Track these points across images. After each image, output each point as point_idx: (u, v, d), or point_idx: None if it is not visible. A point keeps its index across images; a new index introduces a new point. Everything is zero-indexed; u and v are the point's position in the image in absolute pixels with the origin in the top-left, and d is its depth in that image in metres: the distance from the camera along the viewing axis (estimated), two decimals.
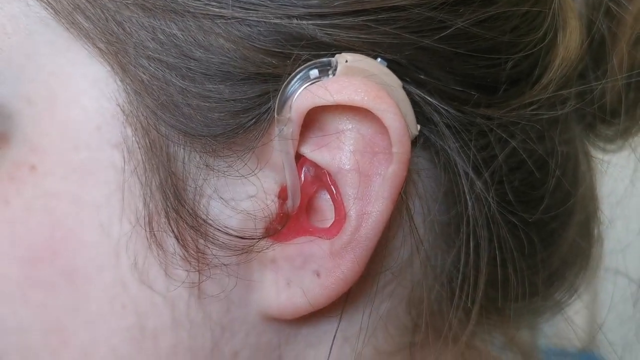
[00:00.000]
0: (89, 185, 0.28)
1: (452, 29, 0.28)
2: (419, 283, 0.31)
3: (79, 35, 0.28)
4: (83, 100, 0.28)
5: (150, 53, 0.27)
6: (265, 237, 0.29)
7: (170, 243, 0.28)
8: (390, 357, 0.32)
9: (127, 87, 0.28)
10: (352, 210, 0.28)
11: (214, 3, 0.27)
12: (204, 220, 0.28)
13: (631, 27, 0.33)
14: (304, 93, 0.27)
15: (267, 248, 0.29)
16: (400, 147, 0.27)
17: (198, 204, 0.28)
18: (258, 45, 0.27)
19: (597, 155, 0.37)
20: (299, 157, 0.29)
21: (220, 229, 0.28)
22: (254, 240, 0.28)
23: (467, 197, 0.30)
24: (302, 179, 0.29)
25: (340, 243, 0.28)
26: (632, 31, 0.33)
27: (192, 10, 0.27)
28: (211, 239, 0.28)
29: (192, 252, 0.28)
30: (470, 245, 0.30)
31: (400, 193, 0.28)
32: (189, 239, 0.28)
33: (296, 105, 0.27)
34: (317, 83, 0.27)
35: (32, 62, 0.28)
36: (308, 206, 0.30)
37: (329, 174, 0.29)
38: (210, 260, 0.28)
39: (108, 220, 0.28)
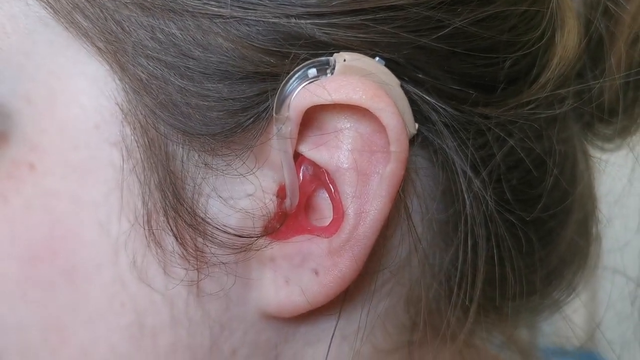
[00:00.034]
0: (87, 184, 0.28)
1: (450, 28, 0.28)
2: (417, 281, 0.32)
3: (78, 34, 0.28)
4: (82, 99, 0.28)
5: (149, 52, 0.27)
6: (263, 236, 0.29)
7: (169, 241, 0.28)
8: (389, 356, 0.32)
9: (126, 86, 0.28)
10: (350, 208, 0.28)
11: (212, 2, 0.27)
12: (202, 219, 0.28)
13: (629, 26, 0.33)
14: (302, 92, 0.27)
15: (265, 246, 0.29)
16: (398, 145, 0.27)
17: (197, 202, 0.28)
18: (256, 45, 0.27)
19: (595, 154, 0.37)
20: (297, 156, 0.29)
21: (218, 227, 0.28)
22: (253, 239, 0.28)
23: (465, 195, 0.30)
24: (301, 177, 0.29)
25: (339, 241, 0.28)
26: (630, 30, 0.33)
27: (190, 9, 0.27)
28: (210, 238, 0.28)
29: (190, 250, 0.28)
30: (468, 243, 0.30)
31: (398, 191, 0.28)
32: (188, 237, 0.28)
33: (294, 104, 0.27)
34: (315, 82, 0.27)
35: (31, 61, 0.28)
36: (306, 205, 0.30)
37: (327, 173, 0.29)
38: (208, 258, 0.28)
39: (107, 218, 0.28)
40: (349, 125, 0.28)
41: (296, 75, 0.27)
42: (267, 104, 0.28)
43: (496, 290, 0.32)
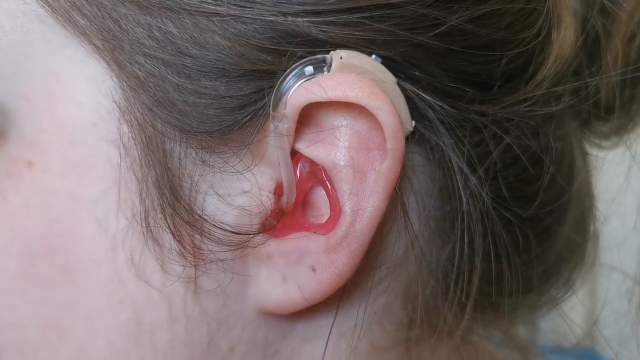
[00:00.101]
0: (85, 182, 0.28)
1: (446, 26, 0.28)
2: (414, 278, 0.32)
3: (75, 32, 0.28)
4: (80, 97, 0.28)
5: (146, 50, 0.27)
6: (260, 233, 0.29)
7: (167, 238, 0.28)
8: (386, 352, 0.32)
9: (124, 83, 0.28)
10: (347, 205, 0.28)
11: (209, 1, 0.27)
12: (199, 216, 0.28)
13: (625, 24, 0.33)
14: (299, 89, 0.27)
15: (262, 243, 0.29)
16: (394, 143, 0.27)
17: (194, 199, 0.28)
18: (253, 43, 0.27)
19: (593, 151, 0.37)
20: (294, 153, 0.29)
21: (216, 224, 0.28)
22: (250, 236, 0.28)
23: (462, 192, 0.30)
24: (298, 175, 0.29)
25: (336, 238, 0.28)
26: (627, 28, 0.33)
27: (187, 7, 0.27)
28: (207, 235, 0.28)
29: (188, 247, 0.28)
30: (464, 240, 0.30)
31: (394, 189, 0.28)
32: (185, 234, 0.28)
33: (291, 101, 0.27)
34: (312, 80, 0.27)
35: (29, 59, 0.28)
36: (303, 202, 0.30)
37: (324, 170, 0.29)
38: (206, 255, 0.29)
39: (104, 216, 0.28)
40: (345, 123, 0.28)
41: (293, 73, 0.27)
42: (264, 101, 0.28)
43: (493, 287, 0.32)
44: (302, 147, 0.29)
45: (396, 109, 0.28)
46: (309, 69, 0.27)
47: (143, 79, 0.27)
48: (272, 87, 0.28)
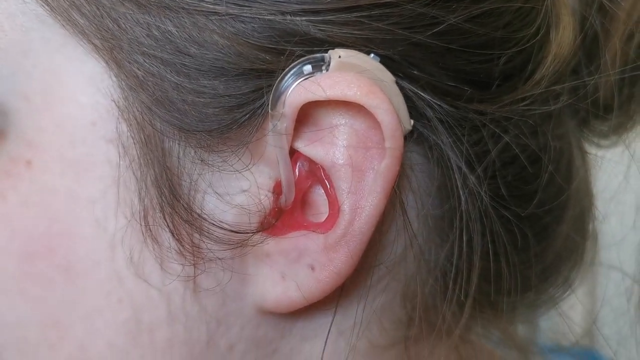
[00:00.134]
0: (84, 181, 0.28)
1: (444, 25, 0.28)
2: (413, 277, 0.32)
3: (74, 32, 0.28)
4: (79, 96, 0.28)
5: (145, 49, 0.27)
6: (259, 232, 0.29)
7: (166, 237, 0.28)
8: (385, 351, 0.32)
9: (122, 82, 0.28)
10: (345, 204, 0.28)
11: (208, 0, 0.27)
12: (198, 215, 0.28)
13: (624, 23, 0.33)
14: (298, 88, 0.27)
15: (261, 242, 0.29)
16: (392, 142, 0.28)
17: (193, 198, 0.28)
18: (252, 42, 0.27)
19: (591, 150, 0.37)
20: (293, 152, 0.29)
21: (215, 223, 0.28)
22: (249, 235, 0.28)
23: (460, 191, 0.30)
24: (297, 173, 0.29)
25: (334, 237, 0.29)
26: (625, 27, 0.33)
27: (186, 6, 0.27)
28: (206, 233, 0.28)
29: (187, 246, 0.28)
30: (463, 239, 0.30)
31: (393, 187, 0.28)
32: (184, 233, 0.28)
33: (290, 100, 0.27)
34: (310, 78, 0.27)
35: (28, 59, 0.28)
36: (302, 201, 0.30)
37: (323, 169, 0.29)
38: (205, 254, 0.29)
39: (103, 215, 0.28)
40: (344, 122, 0.28)
41: (291, 72, 0.27)
42: (263, 100, 0.28)
43: (491, 286, 0.32)
44: (301, 146, 0.29)
45: (395, 107, 0.28)
46: (308, 68, 0.27)
47: (142, 78, 0.27)
48: (270, 86, 0.28)
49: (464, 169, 0.30)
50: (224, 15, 0.27)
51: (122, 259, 0.28)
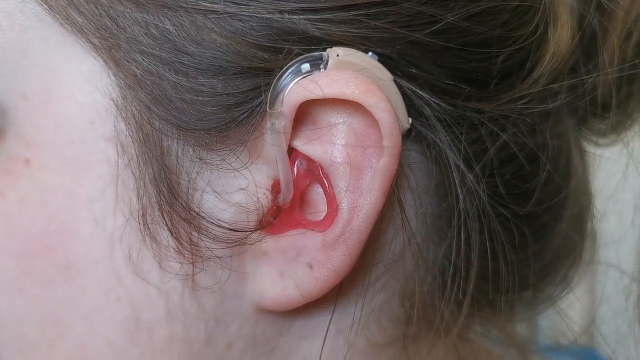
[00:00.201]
0: (83, 179, 0.28)
1: (442, 24, 0.28)
2: (411, 275, 0.32)
3: (73, 30, 0.28)
4: (77, 95, 0.28)
5: (143, 48, 0.27)
6: (257, 230, 0.29)
7: (164, 236, 0.28)
8: (383, 349, 0.32)
9: (121, 81, 0.28)
10: (344, 202, 0.28)
11: None
12: (197, 213, 0.28)
13: (622, 21, 0.33)
14: (296, 87, 0.27)
15: (260, 240, 0.29)
16: (390, 140, 0.28)
17: (191, 197, 0.28)
18: (250, 40, 0.27)
19: (590, 149, 0.37)
20: (291, 151, 0.29)
21: (213, 221, 0.28)
22: (247, 233, 0.28)
23: (459, 190, 0.30)
24: (295, 172, 0.29)
25: (333, 235, 0.29)
26: (623, 25, 0.33)
27: (184, 5, 0.27)
28: (204, 232, 0.28)
29: (185, 244, 0.28)
30: (461, 237, 0.30)
31: (391, 186, 0.28)
32: (183, 231, 0.28)
33: (288, 99, 0.27)
34: (308, 77, 0.27)
35: (27, 58, 0.29)
36: (301, 199, 0.30)
37: (321, 167, 0.29)
38: (203, 252, 0.29)
39: (102, 213, 0.28)
40: (342, 120, 0.28)
41: (289, 71, 0.27)
42: (261, 99, 0.28)
43: (489, 284, 0.32)
44: (299, 144, 0.29)
45: (393, 106, 0.28)
46: (306, 67, 0.27)
47: (140, 77, 0.27)
48: (269, 84, 0.28)
49: (462, 167, 0.30)
50: (222, 13, 0.27)
51: (120, 258, 0.29)
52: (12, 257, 0.29)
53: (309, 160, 0.29)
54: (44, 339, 0.29)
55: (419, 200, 0.31)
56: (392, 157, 0.28)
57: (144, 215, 0.28)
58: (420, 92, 0.29)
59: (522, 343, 0.40)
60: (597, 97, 0.34)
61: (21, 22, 0.29)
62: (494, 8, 0.29)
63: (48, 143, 0.28)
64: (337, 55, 0.27)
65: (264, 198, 0.29)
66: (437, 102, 0.29)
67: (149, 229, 0.28)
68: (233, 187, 0.29)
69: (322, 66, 0.28)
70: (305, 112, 0.28)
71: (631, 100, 0.36)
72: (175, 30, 0.27)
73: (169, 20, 0.27)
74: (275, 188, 0.29)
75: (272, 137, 0.28)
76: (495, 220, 0.31)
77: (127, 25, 0.27)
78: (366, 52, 0.28)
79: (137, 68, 0.27)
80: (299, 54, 0.27)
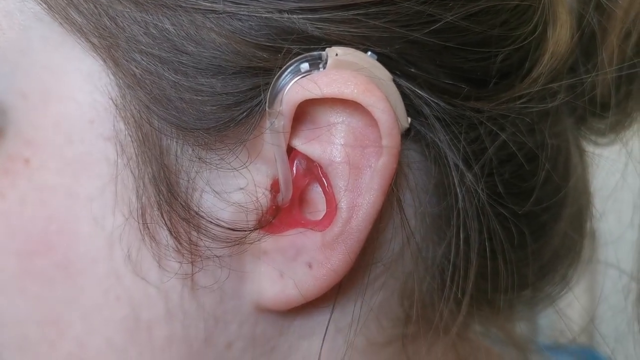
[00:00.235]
0: (82, 178, 0.28)
1: (441, 23, 0.28)
2: (411, 275, 0.32)
3: (72, 30, 0.28)
4: (76, 94, 0.28)
5: (142, 47, 0.27)
6: (257, 229, 0.29)
7: (163, 235, 0.28)
8: (383, 348, 0.33)
9: (120, 81, 0.28)
10: (343, 202, 0.28)
11: None
12: (196, 213, 0.28)
13: (621, 21, 0.33)
14: (295, 86, 0.27)
15: (259, 240, 0.29)
16: (389, 140, 0.28)
17: (190, 196, 0.28)
18: (249, 40, 0.27)
19: (589, 148, 0.37)
20: (290, 150, 0.29)
21: (212, 221, 0.28)
22: (246, 232, 0.29)
23: (458, 189, 0.30)
24: (294, 171, 0.29)
25: (332, 235, 0.29)
26: (622, 25, 0.33)
27: (183, 4, 0.27)
28: (203, 231, 0.28)
29: (184, 244, 0.28)
30: (460, 237, 0.30)
31: (390, 185, 0.28)
32: (182, 231, 0.28)
33: (287, 98, 0.27)
34: (307, 76, 0.27)
35: (26, 57, 0.29)
36: (300, 198, 0.30)
37: (321, 167, 0.29)
38: (202, 252, 0.29)
39: (101, 213, 0.28)
40: (341, 120, 0.28)
41: (289, 70, 0.27)
42: (260, 98, 0.28)
43: (488, 283, 0.32)
44: (299, 144, 0.29)
45: (392, 105, 0.28)
46: (305, 66, 0.27)
47: (139, 76, 0.27)
48: (268, 84, 0.28)
49: (461, 166, 0.30)
50: (221, 13, 0.27)
51: (120, 257, 0.29)
52: (12, 256, 0.29)
53: (308, 159, 0.29)
54: (44, 339, 0.29)
55: (418, 200, 0.31)
56: (391, 156, 0.28)
57: (143, 215, 0.28)
58: (419, 92, 0.29)
59: (522, 342, 0.40)
60: (596, 96, 0.34)
61: (20, 22, 0.29)
62: (493, 7, 0.29)
63: (47, 142, 0.28)
64: (336, 54, 0.27)
65: (263, 197, 0.29)
66: (436, 101, 0.29)
67: (148, 229, 0.28)
68: (232, 187, 0.29)
69: (321, 66, 0.28)
70: (304, 112, 0.29)
71: (630, 100, 0.36)
72: (175, 30, 0.27)
73: (168, 19, 0.27)
74: (275, 187, 0.29)
75: (271, 137, 0.28)
76: (494, 219, 0.31)
77: (126, 25, 0.27)
78: (365, 51, 0.28)
79: (136, 67, 0.27)
80: (298, 54, 0.27)
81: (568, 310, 0.39)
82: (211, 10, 0.27)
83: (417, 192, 0.31)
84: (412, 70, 0.29)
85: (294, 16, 0.27)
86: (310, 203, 0.30)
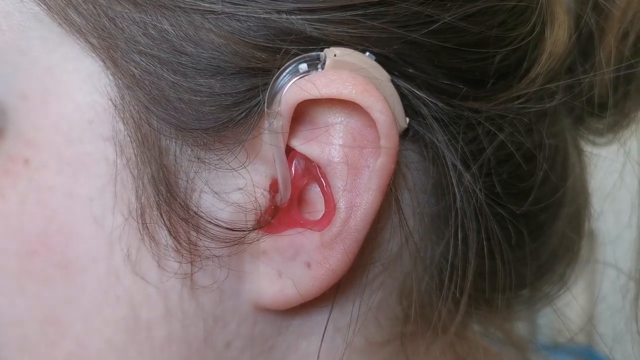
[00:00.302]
0: (82, 179, 0.28)
1: (439, 24, 0.28)
2: (409, 274, 0.32)
3: (71, 30, 0.28)
4: (76, 94, 0.28)
5: (141, 48, 0.27)
6: (256, 229, 0.29)
7: (163, 235, 0.29)
8: (381, 348, 0.33)
9: (119, 81, 0.28)
10: (341, 202, 0.28)
11: None
12: (195, 213, 0.28)
13: (619, 21, 0.33)
14: (293, 87, 0.27)
15: (258, 240, 0.29)
16: (388, 140, 0.28)
17: (190, 196, 0.29)
18: (248, 40, 0.27)
19: (587, 148, 0.38)
20: (289, 150, 0.29)
21: (211, 221, 0.28)
22: (245, 232, 0.29)
23: (456, 189, 0.30)
24: (293, 171, 0.29)
25: (330, 235, 0.29)
26: (620, 25, 0.33)
27: (182, 5, 0.27)
28: (203, 231, 0.28)
29: (184, 244, 0.29)
30: (458, 236, 0.30)
31: (388, 185, 0.28)
32: (181, 231, 0.28)
33: (285, 98, 0.28)
34: (306, 77, 0.27)
35: (25, 58, 0.29)
36: (299, 198, 0.30)
37: (319, 167, 0.29)
38: (202, 251, 0.29)
39: (101, 213, 0.28)
40: (339, 120, 0.28)
41: (287, 71, 0.28)
42: (259, 99, 0.28)
43: (486, 283, 0.32)
44: (297, 144, 0.29)
45: (390, 106, 0.28)
46: (303, 67, 0.27)
47: (138, 77, 0.28)
48: (266, 84, 0.28)
49: (459, 166, 0.30)
50: (220, 14, 0.27)
51: (119, 257, 0.29)
52: (13, 256, 0.29)
53: (307, 159, 0.29)
54: (44, 338, 0.29)
55: (417, 200, 0.31)
56: (390, 157, 0.28)
57: (142, 215, 0.28)
58: (417, 92, 0.29)
59: (520, 341, 0.40)
60: (594, 96, 0.34)
61: (20, 23, 0.29)
62: (490, 8, 0.29)
63: (47, 143, 0.29)
64: (335, 55, 0.28)
65: (262, 198, 0.29)
66: (434, 101, 0.29)
67: (147, 229, 0.28)
68: (231, 187, 0.29)
69: (319, 66, 0.28)
70: (303, 112, 0.29)
71: (628, 100, 0.36)
72: (174, 31, 0.27)
73: (167, 20, 0.27)
74: (273, 188, 0.29)
75: (269, 137, 0.28)
76: (492, 219, 0.31)
77: (125, 26, 0.27)
78: (363, 52, 0.28)
79: (135, 68, 0.28)
80: (297, 54, 0.28)
81: (566, 310, 0.39)
82: (210, 11, 0.27)
83: (416, 192, 0.31)
84: (410, 70, 0.29)
85: (293, 17, 0.27)
86: (309, 203, 0.30)
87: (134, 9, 0.27)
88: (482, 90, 0.30)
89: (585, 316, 0.43)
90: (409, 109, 0.29)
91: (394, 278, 0.32)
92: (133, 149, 0.28)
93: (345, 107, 0.28)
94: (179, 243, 0.29)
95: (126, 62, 0.28)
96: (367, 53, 0.28)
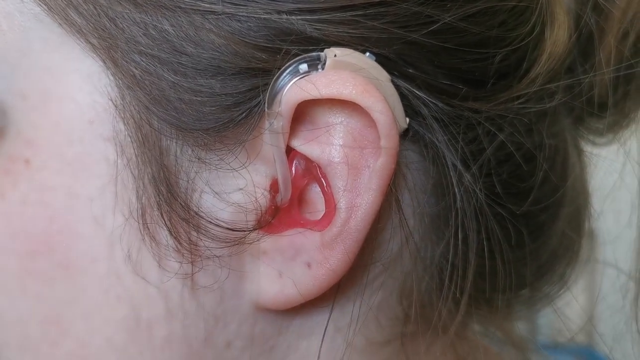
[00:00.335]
0: (82, 179, 0.28)
1: (439, 24, 0.28)
2: (409, 274, 0.32)
3: (72, 31, 0.28)
4: (76, 95, 0.28)
5: (142, 48, 0.27)
6: (256, 229, 0.29)
7: (163, 235, 0.29)
8: (382, 348, 0.33)
9: (119, 81, 0.28)
10: (341, 202, 0.29)
11: None
12: (195, 213, 0.28)
13: (619, 21, 0.33)
14: (293, 87, 0.27)
15: (258, 240, 0.29)
16: (388, 140, 0.28)
17: (190, 196, 0.29)
18: (248, 40, 0.27)
19: (587, 148, 0.38)
20: (289, 151, 0.29)
21: (212, 221, 0.28)
22: (245, 233, 0.29)
23: (456, 189, 0.30)
24: (293, 172, 0.29)
25: (331, 235, 0.29)
26: (620, 25, 0.33)
27: (183, 5, 0.27)
28: (203, 231, 0.29)
29: (184, 244, 0.29)
30: (459, 236, 0.30)
31: (389, 185, 0.28)
32: (182, 231, 0.28)
33: (286, 99, 0.28)
34: (306, 77, 0.27)
35: (26, 58, 0.29)
36: (299, 199, 0.30)
37: (319, 167, 0.29)
38: (202, 252, 0.29)
39: (102, 213, 0.28)
40: (340, 120, 0.28)
41: (287, 71, 0.28)
42: (259, 99, 0.28)
43: (486, 283, 0.32)
44: (297, 144, 0.29)
45: (390, 106, 0.28)
46: (304, 67, 0.28)
47: (139, 77, 0.28)
48: (267, 84, 0.28)
49: (459, 167, 0.30)
50: (220, 14, 0.27)
51: (120, 257, 0.29)
52: (14, 256, 0.29)
53: (307, 160, 0.29)
54: (45, 338, 0.29)
55: (417, 200, 0.31)
56: (390, 157, 0.28)
57: (143, 215, 0.28)
58: (417, 92, 0.29)
59: (520, 341, 0.40)
60: (594, 96, 0.34)
61: (20, 23, 0.29)
62: (490, 8, 0.29)
63: (48, 143, 0.29)
64: (335, 55, 0.28)
65: (262, 198, 0.29)
66: (434, 102, 0.29)
67: (148, 229, 0.28)
68: (231, 187, 0.29)
69: (319, 66, 0.28)
70: (303, 112, 0.29)
71: (628, 100, 0.36)
72: (174, 31, 0.27)
73: (168, 20, 0.27)
74: (274, 188, 0.29)
75: (270, 137, 0.28)
76: (492, 219, 0.31)
77: (125, 26, 0.28)
78: (364, 52, 0.28)
79: (135, 68, 0.28)
80: (297, 55, 0.28)
81: (566, 310, 0.39)
82: (210, 11, 0.27)
83: (416, 192, 0.31)
84: (411, 71, 0.29)
85: (293, 17, 0.27)
86: (309, 203, 0.30)
87: (135, 10, 0.27)
88: (482, 90, 0.30)
89: (585, 316, 0.43)
90: (409, 109, 0.29)
91: (394, 278, 0.32)
92: (134, 149, 0.28)
93: (345, 108, 0.28)
94: (180, 243, 0.29)
95: (127, 62, 0.28)
96: (367, 53, 0.28)
